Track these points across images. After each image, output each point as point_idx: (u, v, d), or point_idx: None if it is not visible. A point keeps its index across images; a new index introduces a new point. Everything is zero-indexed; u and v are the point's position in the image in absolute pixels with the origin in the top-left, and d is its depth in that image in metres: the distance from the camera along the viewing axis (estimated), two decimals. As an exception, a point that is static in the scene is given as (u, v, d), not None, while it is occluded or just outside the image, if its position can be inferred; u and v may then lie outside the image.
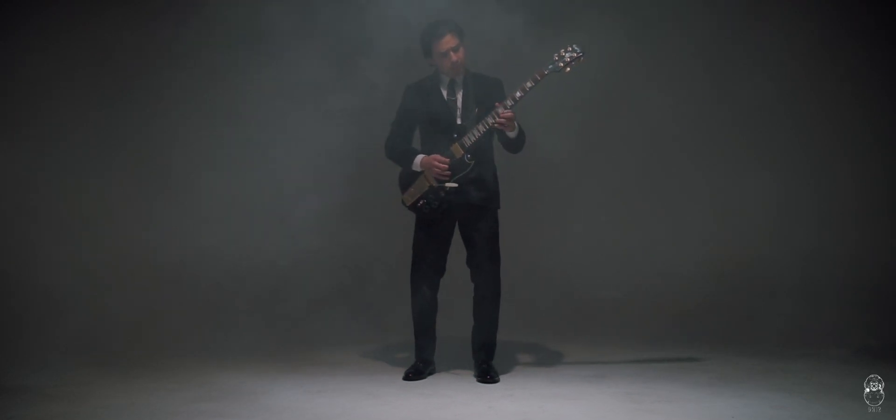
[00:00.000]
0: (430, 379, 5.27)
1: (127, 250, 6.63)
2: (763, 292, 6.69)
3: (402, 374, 5.28)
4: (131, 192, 6.70)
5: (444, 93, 5.25)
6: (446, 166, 5.13)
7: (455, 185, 5.15)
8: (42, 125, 6.57)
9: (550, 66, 5.03)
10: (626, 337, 6.28)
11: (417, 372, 5.27)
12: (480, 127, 5.10)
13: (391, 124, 5.36)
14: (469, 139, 5.12)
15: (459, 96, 5.24)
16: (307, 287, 6.71)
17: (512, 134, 5.15)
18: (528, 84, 5.02)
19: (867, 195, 6.76)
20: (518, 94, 5.03)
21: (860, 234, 6.73)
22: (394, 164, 5.35)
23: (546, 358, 5.81)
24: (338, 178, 6.47)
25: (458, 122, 5.21)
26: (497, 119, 5.03)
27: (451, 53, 5.15)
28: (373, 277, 6.84)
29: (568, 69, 5.04)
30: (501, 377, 5.23)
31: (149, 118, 6.73)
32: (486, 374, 5.18)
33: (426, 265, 5.29)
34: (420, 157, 5.22)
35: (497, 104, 5.07)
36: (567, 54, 5.03)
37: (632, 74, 6.83)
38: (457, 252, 5.36)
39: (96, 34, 6.59)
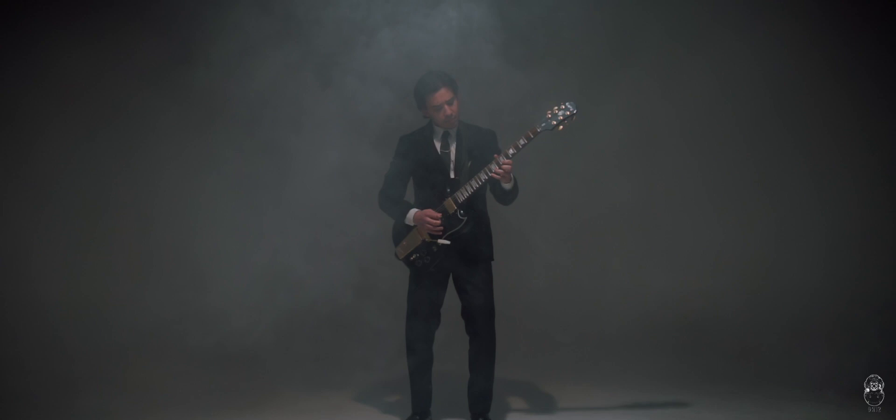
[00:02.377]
0: (427, 431, 5.31)
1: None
2: (759, 330, 6.66)
3: (397, 426, 5.32)
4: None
5: (438, 145, 5.25)
6: (439, 222, 5.14)
7: (447, 242, 5.16)
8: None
9: (543, 124, 5.04)
10: (619, 375, 6.29)
11: (415, 424, 5.32)
12: (474, 182, 5.10)
13: (385, 175, 5.37)
14: (462, 194, 5.13)
15: (453, 149, 5.24)
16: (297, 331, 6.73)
17: (507, 186, 5.15)
18: (521, 141, 5.02)
19: (868, 232, 6.74)
20: (511, 150, 5.03)
21: (860, 272, 6.69)
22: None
23: (540, 403, 5.84)
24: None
25: (452, 175, 5.21)
26: (495, 170, 5.03)
27: (446, 107, 5.15)
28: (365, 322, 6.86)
29: (561, 127, 5.05)
30: (496, 429, 5.26)
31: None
32: (483, 427, 5.23)
33: (420, 318, 5.30)
34: (413, 211, 5.23)
35: (496, 155, 5.07)
36: (560, 112, 5.04)
37: (626, 103, 6.82)
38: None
39: (102, 86, 6.66)
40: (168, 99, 6.71)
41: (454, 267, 5.27)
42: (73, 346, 6.45)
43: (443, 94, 5.13)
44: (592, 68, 6.87)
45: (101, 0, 6.67)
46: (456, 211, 5.15)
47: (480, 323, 5.28)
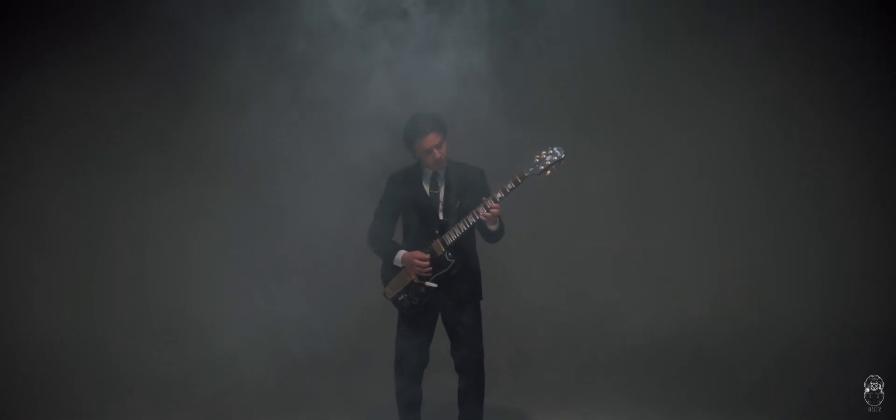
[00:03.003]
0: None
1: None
2: (758, 357, 6.62)
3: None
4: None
5: (427, 187, 5.26)
6: (427, 264, 5.17)
7: (434, 285, 5.18)
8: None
9: (531, 169, 5.05)
10: (617, 401, 6.33)
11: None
12: (462, 225, 5.12)
13: (374, 214, 5.39)
14: (450, 237, 5.15)
15: (442, 190, 5.26)
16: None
17: (493, 227, 5.17)
18: (509, 186, 5.04)
19: (863, 260, 6.70)
20: (498, 195, 5.05)
21: (862, 301, 6.65)
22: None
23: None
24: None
25: (441, 217, 5.23)
26: (483, 213, 5.05)
27: (435, 151, 5.16)
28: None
29: (549, 173, 5.07)
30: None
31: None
32: (471, 467, 5.25)
33: (409, 359, 5.31)
34: (401, 253, 5.24)
35: (485, 198, 5.09)
36: (548, 157, 5.05)
37: (628, 128, 6.83)
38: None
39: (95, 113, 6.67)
40: (156, 146, 6.75)
41: (443, 308, 5.29)
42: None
43: (432, 139, 5.15)
44: (588, 104, 6.90)
45: (96, 45, 6.70)
46: (444, 253, 5.17)
47: (469, 365, 5.30)
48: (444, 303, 5.26)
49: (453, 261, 5.18)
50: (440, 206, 5.24)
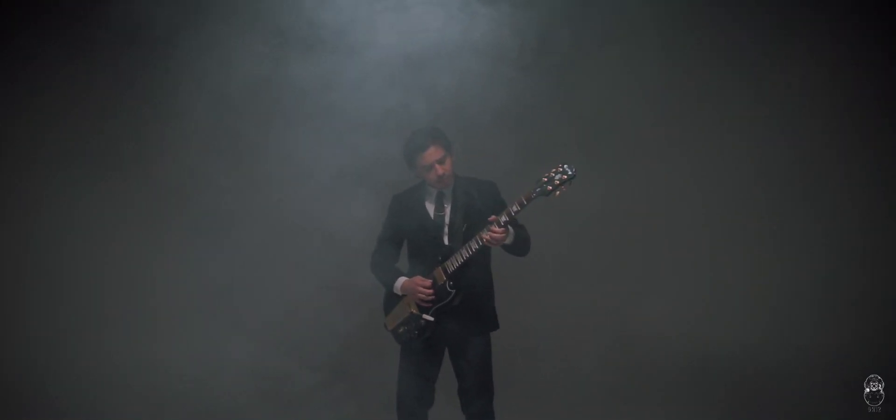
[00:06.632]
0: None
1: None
2: (758, 358, 6.27)
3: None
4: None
5: (431, 208, 4.78)
6: (429, 293, 4.65)
7: (431, 318, 4.65)
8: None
9: (538, 189, 4.48)
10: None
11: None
12: (464, 251, 4.61)
13: (377, 238, 4.93)
14: (453, 264, 4.63)
15: (448, 211, 4.76)
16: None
17: (508, 241, 4.63)
18: (514, 208, 4.51)
19: (869, 279, 6.32)
20: (503, 218, 4.52)
21: (862, 301, 6.28)
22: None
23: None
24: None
25: (446, 241, 4.72)
26: (485, 238, 4.52)
27: (437, 166, 4.67)
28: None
29: (557, 193, 4.48)
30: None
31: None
32: None
33: (411, 400, 4.83)
34: (401, 280, 4.77)
35: (492, 217, 4.55)
36: (557, 176, 4.47)
37: (630, 141, 6.44)
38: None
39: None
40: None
41: (447, 339, 4.78)
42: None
43: (432, 153, 4.66)
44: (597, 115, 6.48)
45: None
46: (445, 282, 4.64)
47: (476, 405, 4.78)
48: (449, 334, 4.74)
49: (453, 291, 4.65)
50: (445, 230, 4.75)
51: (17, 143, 6.37)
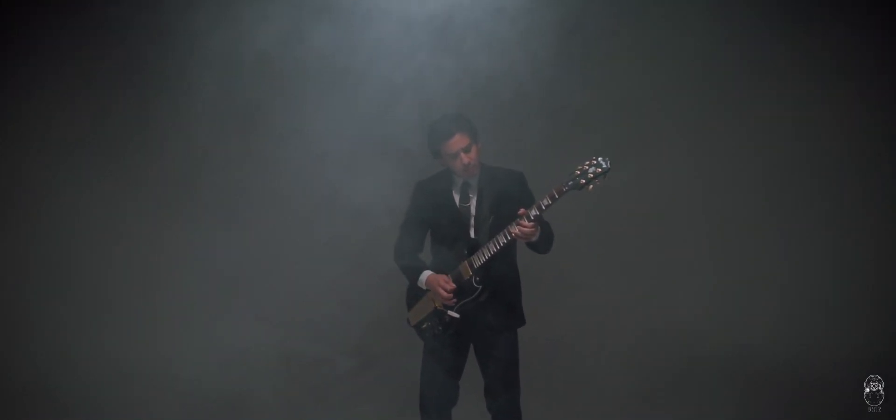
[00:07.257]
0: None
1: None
2: (757, 357, 6.12)
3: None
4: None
5: (457, 197, 4.58)
6: (450, 296, 4.47)
7: (456, 315, 4.46)
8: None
9: (570, 182, 4.27)
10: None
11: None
12: (492, 246, 4.42)
13: (400, 226, 4.73)
14: (479, 259, 4.43)
15: (473, 202, 4.56)
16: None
17: (534, 238, 4.43)
18: (545, 202, 4.30)
19: (875, 261, 6.14)
20: (533, 212, 4.32)
21: (862, 301, 6.11)
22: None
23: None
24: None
25: (472, 234, 4.53)
26: (515, 232, 4.33)
27: (463, 155, 4.47)
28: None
29: (591, 187, 4.27)
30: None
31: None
32: None
33: (434, 398, 4.66)
34: (426, 274, 4.57)
35: (521, 210, 4.35)
36: (590, 169, 4.26)
37: (641, 135, 6.24)
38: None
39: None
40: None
41: (474, 337, 4.62)
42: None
43: (458, 141, 4.46)
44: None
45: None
46: (471, 277, 4.44)
47: (502, 403, 4.61)
48: (477, 332, 4.57)
49: (480, 287, 4.46)
50: (472, 221, 4.55)
51: (24, 123, 6.20)
